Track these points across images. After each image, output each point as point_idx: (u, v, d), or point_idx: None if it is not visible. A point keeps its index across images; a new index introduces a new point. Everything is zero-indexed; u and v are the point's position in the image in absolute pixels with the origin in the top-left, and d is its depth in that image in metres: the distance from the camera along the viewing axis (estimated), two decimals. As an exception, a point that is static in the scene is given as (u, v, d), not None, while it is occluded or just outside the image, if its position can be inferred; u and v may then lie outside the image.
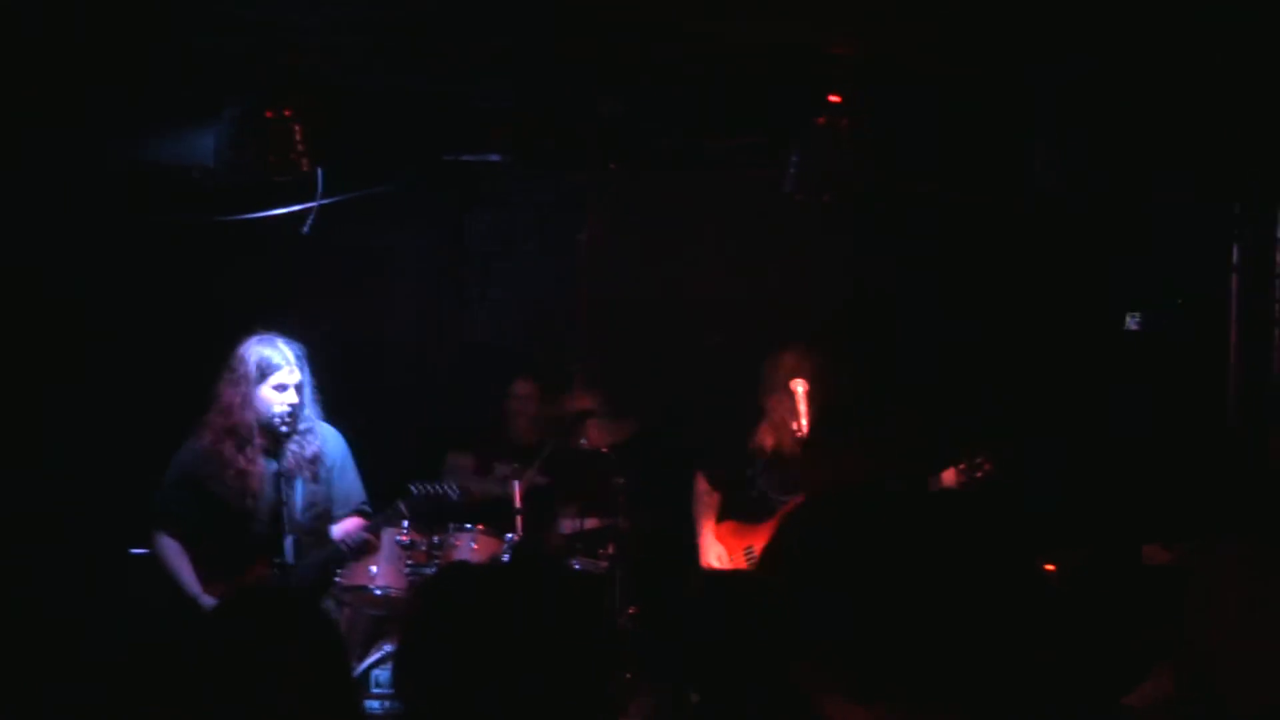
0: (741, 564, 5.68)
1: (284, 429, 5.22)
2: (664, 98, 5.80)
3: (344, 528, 5.43)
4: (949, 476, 5.51)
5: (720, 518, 5.78)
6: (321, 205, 5.86)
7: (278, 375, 5.20)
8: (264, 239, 6.29)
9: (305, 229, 5.91)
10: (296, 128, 5.44)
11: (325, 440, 5.37)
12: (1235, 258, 5.92)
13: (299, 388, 5.23)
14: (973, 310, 6.47)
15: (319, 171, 5.70)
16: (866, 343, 6.62)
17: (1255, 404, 5.82)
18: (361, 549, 5.41)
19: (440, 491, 5.55)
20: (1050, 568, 5.04)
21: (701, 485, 5.86)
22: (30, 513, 5.92)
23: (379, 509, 5.51)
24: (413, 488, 5.53)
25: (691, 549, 5.83)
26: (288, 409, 5.20)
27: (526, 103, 5.91)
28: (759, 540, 5.65)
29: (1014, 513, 5.78)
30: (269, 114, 5.40)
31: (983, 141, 5.81)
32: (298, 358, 5.26)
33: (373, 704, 5.54)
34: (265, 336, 5.27)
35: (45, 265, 6.08)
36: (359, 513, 5.49)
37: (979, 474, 5.47)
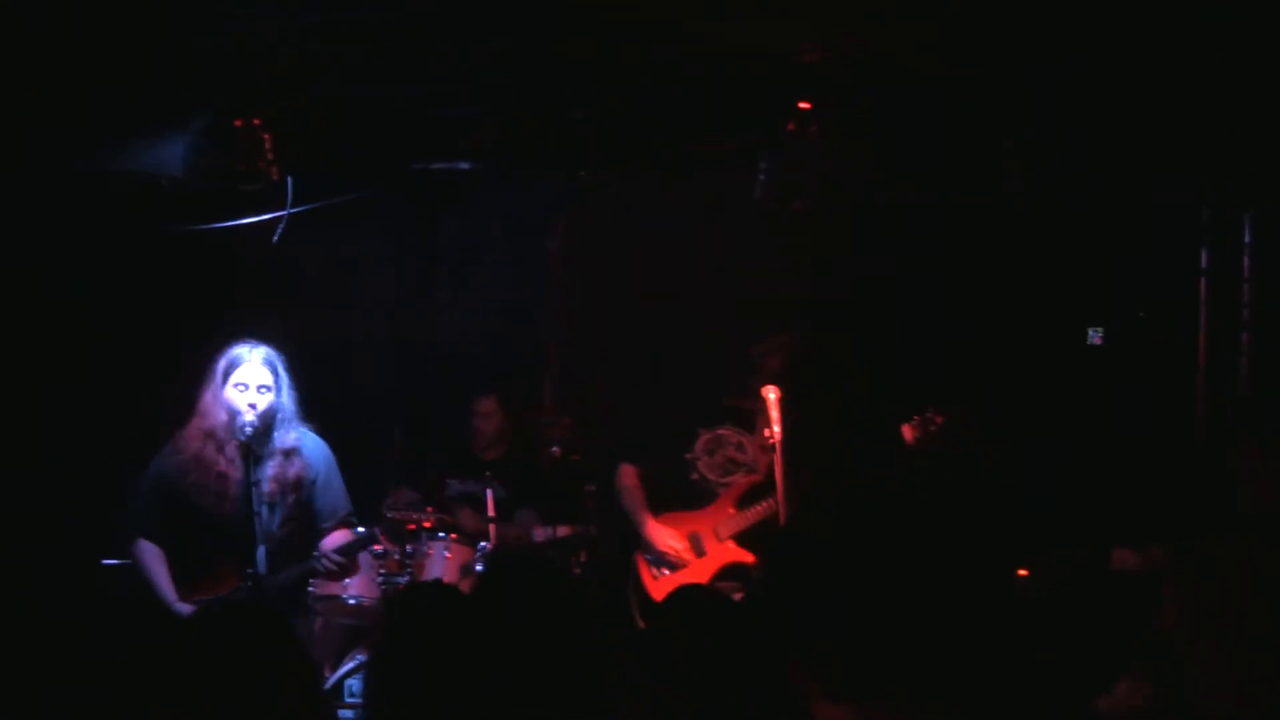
0: (687, 549, 5.65)
1: (248, 431, 5.02)
2: (651, 99, 5.79)
3: (332, 541, 5.30)
4: (906, 433, 5.49)
5: (657, 509, 5.76)
6: (293, 213, 5.86)
7: (238, 372, 5.09)
8: (239, 245, 6.27)
9: (275, 238, 5.90)
10: (265, 136, 5.43)
11: (309, 452, 5.24)
12: (1204, 262, 5.93)
13: (262, 388, 5.09)
14: (973, 310, 6.47)
15: (289, 180, 5.69)
16: (867, 343, 6.62)
17: (1222, 408, 5.83)
18: (338, 572, 5.33)
19: (415, 518, 5.61)
20: (1022, 572, 5.03)
21: (629, 479, 5.80)
22: (30, 513, 5.92)
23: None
24: (388, 514, 5.54)
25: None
26: (249, 408, 5.04)
27: (494, 112, 5.88)
28: (704, 525, 5.65)
29: (1000, 517, 5.81)
30: (238, 122, 5.39)
31: (983, 141, 5.81)
32: (268, 362, 5.14)
33: (346, 714, 5.51)
34: (243, 340, 5.19)
35: (45, 265, 6.08)
36: (345, 523, 5.36)
37: (932, 429, 5.46)
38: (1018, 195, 5.92)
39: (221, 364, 5.14)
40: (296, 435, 5.19)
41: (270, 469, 5.14)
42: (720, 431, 5.73)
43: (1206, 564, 2.55)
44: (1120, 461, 6.01)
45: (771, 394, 5.37)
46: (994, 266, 6.51)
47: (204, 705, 2.42)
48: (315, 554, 5.24)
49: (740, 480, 5.64)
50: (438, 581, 5.24)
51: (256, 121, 5.41)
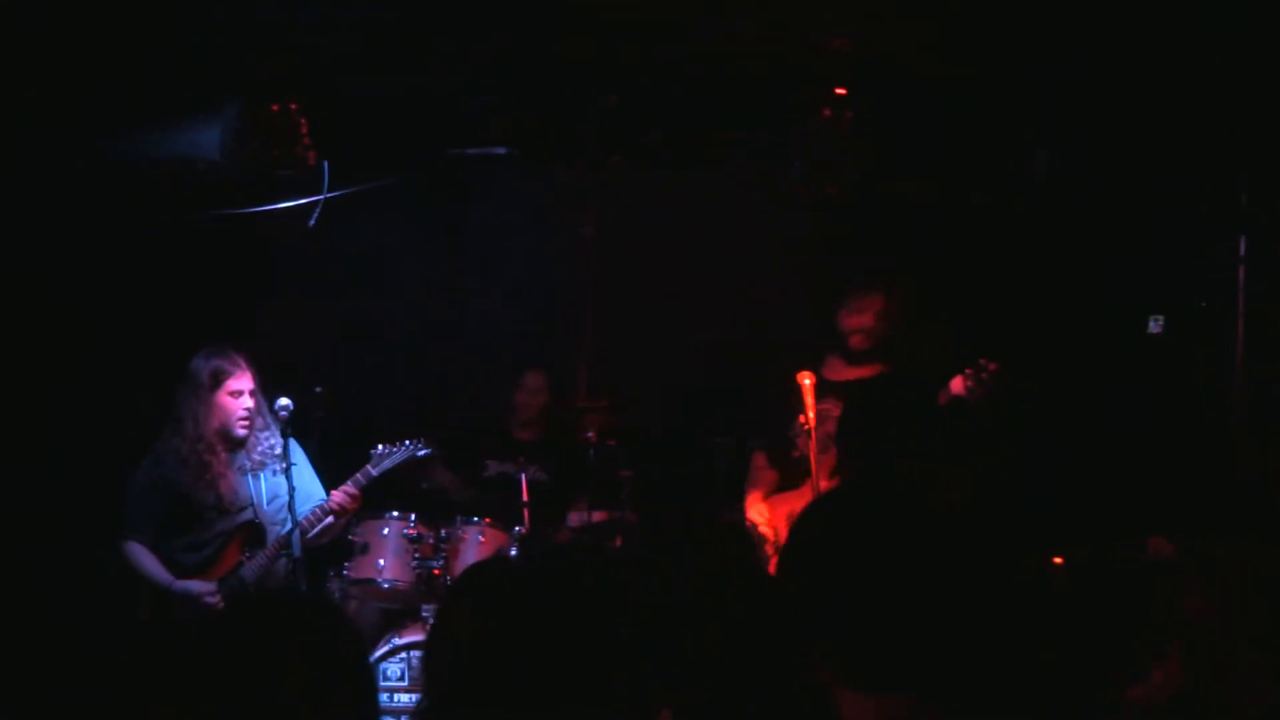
0: (785, 531, 5.66)
1: (243, 431, 5.43)
2: (664, 94, 5.80)
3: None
4: (956, 385, 5.45)
5: (770, 492, 5.78)
6: (326, 199, 5.88)
7: (231, 382, 5.42)
8: (263, 236, 6.30)
9: (311, 222, 5.92)
10: (302, 121, 5.45)
11: (280, 435, 5.49)
12: (1242, 250, 5.89)
13: (252, 392, 5.44)
14: (973, 310, 6.47)
15: (325, 165, 5.71)
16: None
17: (1262, 399, 5.80)
18: (344, 503, 5.45)
19: (406, 449, 5.59)
20: (1058, 561, 5.03)
21: (759, 462, 5.87)
22: (30, 513, 5.92)
23: (348, 474, 5.56)
24: (378, 448, 5.58)
25: (696, 541, 5.80)
26: (244, 412, 5.42)
27: (526, 100, 5.91)
28: (799, 505, 5.65)
29: (1015, 511, 5.79)
30: (275, 108, 5.41)
31: (983, 141, 5.81)
32: (248, 364, 5.46)
33: (381, 698, 5.57)
34: (215, 347, 5.46)
35: (45, 265, 6.07)
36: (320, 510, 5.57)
37: (984, 375, 5.43)
38: (1018, 195, 5.92)
39: (205, 373, 5.42)
40: (281, 404, 5.43)
41: (257, 450, 5.49)
42: (823, 406, 5.74)
43: (1235, 558, 2.55)
44: (1129, 457, 6.01)
45: (806, 380, 5.38)
46: (994, 266, 6.51)
47: (204, 705, 2.40)
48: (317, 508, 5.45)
49: (834, 453, 5.65)
50: (503, 560, 5.22)
51: (294, 106, 5.44)
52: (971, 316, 6.47)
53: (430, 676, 2.50)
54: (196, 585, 5.32)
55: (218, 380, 5.40)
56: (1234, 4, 4.76)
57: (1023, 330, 6.39)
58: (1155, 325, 6.13)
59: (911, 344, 5.79)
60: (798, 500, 5.67)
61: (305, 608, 2.46)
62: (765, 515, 5.70)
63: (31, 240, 5.96)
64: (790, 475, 5.78)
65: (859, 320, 5.74)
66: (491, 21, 5.03)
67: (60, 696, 5.18)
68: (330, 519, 5.48)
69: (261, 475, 5.48)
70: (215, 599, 5.30)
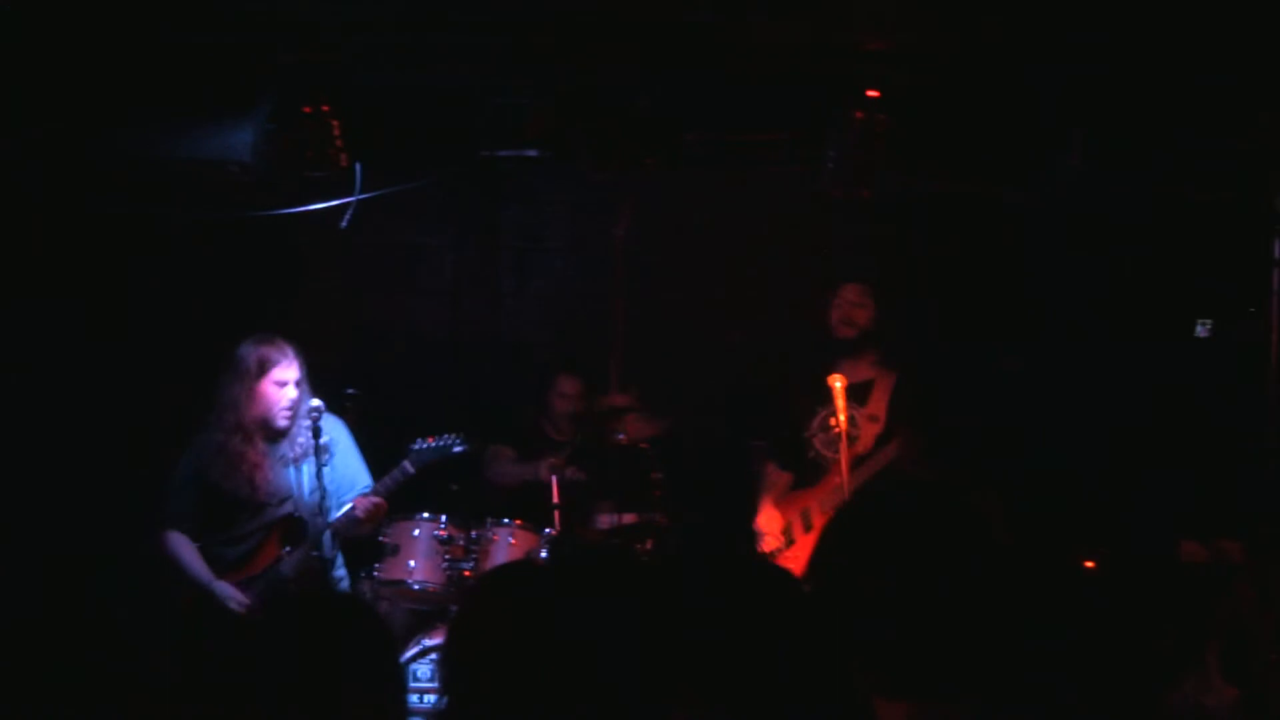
0: (798, 525, 5.67)
1: (285, 422, 5.36)
2: (695, 96, 5.78)
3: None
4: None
5: (782, 494, 5.79)
6: (360, 200, 5.87)
7: (277, 371, 5.33)
8: (296, 237, 6.30)
9: (344, 224, 5.91)
10: (334, 123, 5.44)
11: (326, 421, 5.43)
12: (1276, 253, 5.87)
13: (298, 383, 5.36)
14: (972, 309, 6.47)
15: (358, 166, 5.71)
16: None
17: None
18: (372, 512, 5.41)
19: (444, 444, 5.56)
20: (1089, 565, 5.03)
21: (770, 469, 5.87)
22: (30, 512, 5.91)
23: (387, 470, 5.54)
24: (416, 443, 5.55)
25: (729, 542, 5.81)
26: (288, 403, 5.34)
27: (554, 100, 5.89)
28: (814, 501, 5.66)
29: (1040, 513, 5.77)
30: (307, 109, 5.40)
31: (984, 142, 5.81)
32: (296, 354, 5.39)
33: (410, 698, 5.59)
34: (264, 335, 5.39)
35: (47, 265, 6.07)
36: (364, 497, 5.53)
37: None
38: (1018, 195, 5.91)
39: (252, 361, 5.33)
40: (313, 405, 5.35)
41: (299, 440, 5.42)
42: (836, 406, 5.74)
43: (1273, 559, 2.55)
44: (1133, 461, 6.02)
45: (838, 383, 5.38)
46: (996, 266, 6.51)
47: (205, 705, 2.40)
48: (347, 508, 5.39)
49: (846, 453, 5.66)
50: (522, 562, 5.23)
51: (326, 109, 5.42)
52: (971, 316, 6.47)
53: (448, 678, 2.50)
54: (229, 589, 5.29)
55: (264, 368, 5.33)
56: (1234, 4, 4.76)
57: (1023, 330, 6.39)
58: (1203, 329, 6.12)
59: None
60: (811, 499, 5.69)
61: (335, 608, 2.46)
62: (774, 522, 5.71)
63: (32, 240, 5.95)
64: (804, 474, 5.77)
65: (859, 311, 5.73)
66: (520, 21, 5.02)
67: (60, 696, 5.17)
68: (357, 524, 5.44)
69: (304, 465, 5.42)
70: (241, 606, 5.27)
